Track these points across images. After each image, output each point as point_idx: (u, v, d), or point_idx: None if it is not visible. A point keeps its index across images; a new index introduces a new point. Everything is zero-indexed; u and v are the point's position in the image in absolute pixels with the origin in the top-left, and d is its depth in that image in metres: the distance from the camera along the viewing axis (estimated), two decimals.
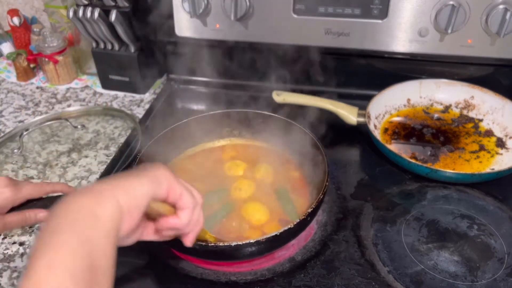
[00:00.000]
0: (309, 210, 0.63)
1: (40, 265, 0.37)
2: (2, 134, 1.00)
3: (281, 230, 0.61)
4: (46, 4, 1.20)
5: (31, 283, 0.36)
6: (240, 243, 0.59)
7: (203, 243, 0.59)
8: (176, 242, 0.56)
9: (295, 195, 0.76)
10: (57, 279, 0.36)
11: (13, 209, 0.66)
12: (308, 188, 0.77)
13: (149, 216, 0.54)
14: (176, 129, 0.82)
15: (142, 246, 0.70)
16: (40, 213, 0.67)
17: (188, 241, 0.55)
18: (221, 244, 0.60)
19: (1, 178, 0.64)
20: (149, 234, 0.55)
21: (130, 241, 0.52)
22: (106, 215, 0.42)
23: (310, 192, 0.76)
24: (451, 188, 0.80)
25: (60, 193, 0.70)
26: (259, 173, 0.79)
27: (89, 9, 0.98)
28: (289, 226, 0.61)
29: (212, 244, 0.60)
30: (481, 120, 0.93)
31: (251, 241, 0.60)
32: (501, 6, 0.81)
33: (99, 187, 0.45)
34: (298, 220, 0.62)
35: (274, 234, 0.60)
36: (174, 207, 0.52)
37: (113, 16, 0.97)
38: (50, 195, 0.70)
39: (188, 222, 0.52)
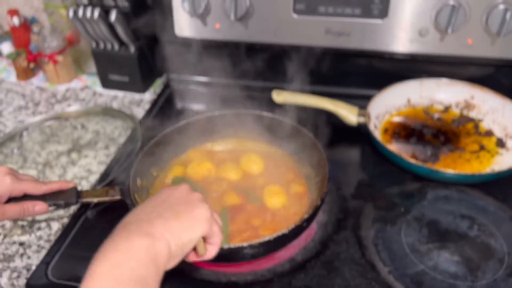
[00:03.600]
0: (305, 217, 0.63)
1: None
2: (2, 134, 1.00)
3: (275, 236, 0.60)
4: (46, 4, 1.20)
5: None
6: (233, 246, 0.60)
7: None
8: None
9: (295, 195, 0.76)
10: None
11: (11, 201, 0.66)
12: (308, 188, 0.77)
13: None
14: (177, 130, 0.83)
15: None
16: (37, 205, 0.68)
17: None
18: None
19: (2, 168, 0.66)
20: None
21: None
22: (160, 258, 0.46)
23: (310, 193, 0.76)
24: (451, 188, 0.80)
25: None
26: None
27: (89, 9, 0.98)
28: (284, 232, 0.61)
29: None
30: (481, 120, 0.93)
31: (243, 245, 0.60)
32: (501, 6, 0.81)
33: (155, 230, 0.47)
34: (294, 226, 0.62)
35: (267, 239, 0.60)
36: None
37: (113, 16, 0.97)
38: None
39: (215, 254, 0.56)
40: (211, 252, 0.56)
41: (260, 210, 0.73)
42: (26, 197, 0.67)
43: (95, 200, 0.74)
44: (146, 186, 0.77)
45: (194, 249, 0.54)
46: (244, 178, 0.80)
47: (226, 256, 0.61)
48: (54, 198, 0.70)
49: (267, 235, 0.61)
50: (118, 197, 0.73)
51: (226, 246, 0.59)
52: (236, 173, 0.80)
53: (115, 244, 0.46)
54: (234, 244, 0.60)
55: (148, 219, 0.49)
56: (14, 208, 0.66)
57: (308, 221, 0.64)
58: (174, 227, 0.49)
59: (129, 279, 0.42)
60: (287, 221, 0.70)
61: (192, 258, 0.55)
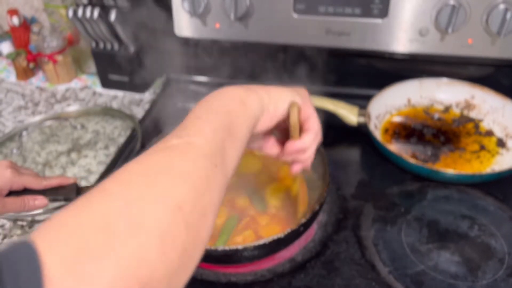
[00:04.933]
0: (303, 221, 0.63)
1: (190, 117, 0.46)
2: (2, 134, 0.99)
3: (270, 239, 0.60)
4: (45, 4, 1.20)
5: (181, 127, 0.43)
6: (228, 248, 0.59)
7: None
8: None
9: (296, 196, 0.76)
10: (201, 124, 0.43)
11: (12, 195, 0.66)
12: (308, 188, 0.77)
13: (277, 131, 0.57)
14: None
15: None
16: (38, 200, 0.67)
17: (296, 169, 0.58)
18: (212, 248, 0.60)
19: (3, 161, 0.66)
20: (268, 147, 0.58)
21: (254, 145, 0.57)
22: (251, 104, 0.48)
23: (310, 193, 0.75)
24: (451, 188, 0.80)
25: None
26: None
27: (88, 9, 0.98)
28: (279, 236, 0.60)
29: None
30: (481, 120, 0.93)
31: (238, 248, 0.59)
32: (501, 6, 0.81)
33: (247, 86, 0.51)
34: (289, 230, 0.61)
35: (262, 242, 0.60)
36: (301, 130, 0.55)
37: (112, 16, 0.97)
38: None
39: (309, 146, 0.55)
40: (305, 140, 0.54)
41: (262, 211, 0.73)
42: (26, 191, 0.68)
43: None
44: None
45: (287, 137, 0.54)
46: (243, 178, 0.79)
47: (221, 258, 0.61)
48: (54, 193, 0.70)
49: (267, 236, 0.61)
50: None
51: (220, 248, 0.59)
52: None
53: (214, 93, 0.50)
54: (229, 246, 0.60)
55: (247, 85, 0.52)
56: (14, 201, 0.66)
57: (305, 225, 0.64)
58: (267, 88, 0.52)
59: (220, 109, 0.46)
60: (288, 222, 0.69)
61: (290, 146, 0.54)
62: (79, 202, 0.32)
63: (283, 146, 0.56)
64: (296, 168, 0.58)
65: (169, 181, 0.35)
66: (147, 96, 1.12)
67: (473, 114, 0.94)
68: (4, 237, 0.75)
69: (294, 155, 0.56)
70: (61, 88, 1.18)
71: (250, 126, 0.48)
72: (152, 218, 0.31)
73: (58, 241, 0.28)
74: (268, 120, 0.51)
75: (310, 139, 0.55)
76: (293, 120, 0.53)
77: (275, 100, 0.51)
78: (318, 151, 0.75)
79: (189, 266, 0.36)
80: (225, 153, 0.42)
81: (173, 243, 0.32)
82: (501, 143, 0.88)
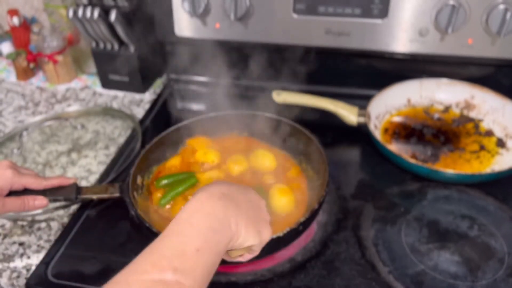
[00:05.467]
0: (302, 220, 0.63)
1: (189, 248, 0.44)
2: (2, 134, 0.99)
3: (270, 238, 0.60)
4: (45, 4, 1.20)
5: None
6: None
7: None
8: None
9: (295, 196, 0.76)
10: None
11: (12, 195, 0.67)
12: (308, 188, 0.77)
13: None
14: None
15: (142, 246, 0.70)
16: (38, 200, 0.68)
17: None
18: None
19: (4, 162, 0.66)
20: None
21: None
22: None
23: (310, 193, 0.75)
24: (451, 188, 0.80)
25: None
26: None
27: (89, 9, 0.98)
28: (279, 235, 0.60)
29: None
30: (481, 120, 0.93)
31: None
32: (501, 6, 0.81)
33: (224, 215, 0.49)
34: (289, 229, 0.61)
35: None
36: None
37: (113, 16, 0.97)
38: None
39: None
40: (246, 258, 0.56)
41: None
42: (26, 191, 0.68)
43: (94, 197, 0.74)
44: (147, 184, 0.78)
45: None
46: (248, 174, 0.79)
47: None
48: (54, 193, 0.70)
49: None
50: (117, 194, 0.73)
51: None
52: (243, 166, 0.80)
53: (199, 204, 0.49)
54: None
55: (225, 206, 0.50)
56: (14, 201, 0.66)
57: (304, 224, 0.64)
58: (249, 224, 0.51)
59: (206, 227, 0.46)
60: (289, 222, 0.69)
61: (243, 258, 0.56)
62: None
63: None
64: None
65: None
66: (147, 96, 1.12)
67: (473, 114, 0.94)
68: (4, 237, 0.76)
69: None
70: (61, 88, 1.18)
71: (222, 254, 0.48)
72: None
73: None
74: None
75: (247, 258, 0.57)
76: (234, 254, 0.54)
77: (239, 244, 0.51)
78: (318, 151, 0.75)
79: None
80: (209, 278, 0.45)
81: None
82: (501, 143, 0.88)
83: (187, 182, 0.75)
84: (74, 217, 0.77)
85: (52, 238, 0.75)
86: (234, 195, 0.52)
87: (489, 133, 0.90)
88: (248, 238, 0.51)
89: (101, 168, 0.89)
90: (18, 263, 0.71)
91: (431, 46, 0.90)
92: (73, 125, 0.98)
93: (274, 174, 0.79)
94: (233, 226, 0.49)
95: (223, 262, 0.54)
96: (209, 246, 0.45)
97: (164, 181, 0.76)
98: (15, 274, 0.69)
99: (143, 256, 0.43)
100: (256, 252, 0.55)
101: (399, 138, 0.90)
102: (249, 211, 0.52)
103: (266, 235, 0.54)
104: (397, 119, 0.95)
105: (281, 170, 0.80)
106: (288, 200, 0.73)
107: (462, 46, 0.88)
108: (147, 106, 1.08)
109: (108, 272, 0.65)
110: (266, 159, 0.80)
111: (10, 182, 0.65)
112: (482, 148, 0.87)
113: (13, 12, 1.22)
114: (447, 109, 0.97)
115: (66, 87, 1.18)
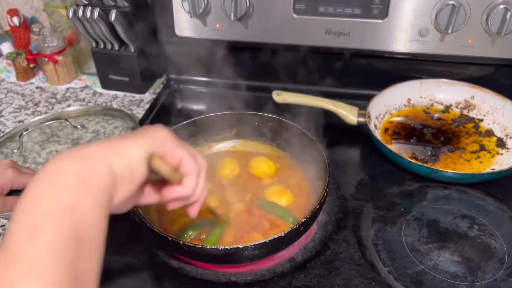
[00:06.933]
0: (302, 220, 0.62)
1: (19, 237, 0.33)
2: (2, 134, 0.99)
3: (271, 238, 0.60)
4: (45, 4, 1.20)
5: (8, 254, 0.32)
6: (228, 247, 0.59)
7: (199, 245, 0.59)
8: (176, 246, 0.55)
9: (295, 196, 0.76)
10: (37, 252, 0.32)
11: (13, 194, 0.66)
12: (308, 188, 0.77)
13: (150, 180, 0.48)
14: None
15: (142, 246, 0.70)
16: None
17: (193, 212, 0.52)
18: (208, 247, 0.60)
19: (4, 161, 0.66)
20: (147, 197, 0.48)
21: (125, 208, 0.46)
22: (96, 181, 0.38)
23: (310, 193, 0.75)
24: (451, 188, 0.80)
25: None
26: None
27: (88, 9, 0.98)
28: (280, 235, 0.60)
29: (212, 247, 0.60)
30: (481, 120, 0.93)
31: (239, 247, 0.59)
32: (501, 6, 0.81)
33: (89, 150, 0.39)
34: (290, 229, 0.61)
35: (262, 241, 0.60)
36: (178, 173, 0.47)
37: (113, 16, 0.97)
38: None
39: (193, 189, 0.48)
40: (186, 184, 0.47)
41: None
42: None
43: None
44: None
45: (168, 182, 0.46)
46: (249, 180, 0.79)
47: (222, 257, 0.61)
48: None
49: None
50: None
51: (221, 248, 0.59)
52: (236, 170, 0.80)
53: (42, 173, 0.37)
54: (230, 245, 0.59)
55: (90, 146, 0.40)
56: (15, 200, 0.65)
57: (305, 224, 0.64)
58: (115, 144, 0.41)
59: (56, 211, 0.34)
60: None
61: (170, 193, 0.47)
62: None
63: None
64: (193, 211, 0.51)
65: None
66: (147, 96, 1.12)
67: (473, 114, 0.94)
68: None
69: (181, 201, 0.49)
70: (61, 88, 1.18)
71: (104, 210, 0.38)
72: None
73: None
74: (127, 190, 0.41)
75: (192, 182, 0.47)
76: (163, 171, 0.44)
77: (128, 162, 0.41)
78: (318, 151, 0.75)
79: None
80: (79, 272, 0.34)
81: None
82: (501, 143, 0.88)
83: None
84: None
85: None
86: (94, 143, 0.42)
87: (489, 133, 0.90)
88: (134, 150, 0.41)
89: None
90: None
91: (431, 46, 0.90)
92: (73, 125, 0.98)
93: (274, 175, 0.80)
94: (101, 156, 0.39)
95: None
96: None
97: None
98: None
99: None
100: (187, 171, 0.46)
101: (399, 138, 0.90)
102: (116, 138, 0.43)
103: (150, 139, 0.43)
104: (397, 119, 0.95)
105: (281, 171, 0.81)
106: (286, 200, 0.73)
107: (462, 46, 0.88)
108: (147, 106, 1.08)
109: (108, 272, 0.65)
110: (265, 166, 0.80)
111: (11, 181, 0.65)
112: (482, 148, 0.87)
113: (13, 12, 1.22)
114: (447, 109, 0.97)
115: (66, 87, 1.18)
